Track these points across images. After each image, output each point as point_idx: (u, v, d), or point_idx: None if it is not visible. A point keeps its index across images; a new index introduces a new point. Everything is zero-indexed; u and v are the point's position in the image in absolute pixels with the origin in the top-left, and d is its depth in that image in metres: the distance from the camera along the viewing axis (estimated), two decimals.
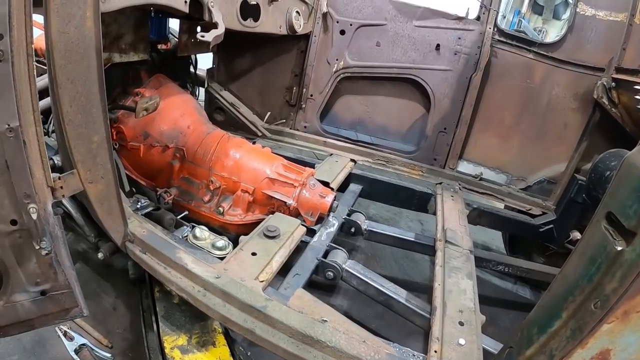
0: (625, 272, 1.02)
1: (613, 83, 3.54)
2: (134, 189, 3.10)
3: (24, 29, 1.52)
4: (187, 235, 2.61)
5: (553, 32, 12.24)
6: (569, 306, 1.19)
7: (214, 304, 2.11)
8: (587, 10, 3.76)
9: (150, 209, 2.86)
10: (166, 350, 2.29)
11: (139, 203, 2.85)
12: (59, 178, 1.89)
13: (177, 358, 2.25)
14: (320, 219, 3.11)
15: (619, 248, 1.05)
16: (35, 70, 1.62)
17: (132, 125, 3.14)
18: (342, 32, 4.33)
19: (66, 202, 2.53)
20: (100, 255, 2.60)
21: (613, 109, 3.57)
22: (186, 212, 3.09)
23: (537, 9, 14.02)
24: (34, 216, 1.70)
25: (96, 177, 2.07)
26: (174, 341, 2.33)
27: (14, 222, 1.71)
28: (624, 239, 1.06)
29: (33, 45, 1.58)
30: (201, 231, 2.61)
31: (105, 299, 3.06)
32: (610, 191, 1.14)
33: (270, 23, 3.63)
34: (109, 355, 2.60)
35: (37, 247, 1.78)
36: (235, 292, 2.09)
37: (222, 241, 2.55)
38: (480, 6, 4.06)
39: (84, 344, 2.61)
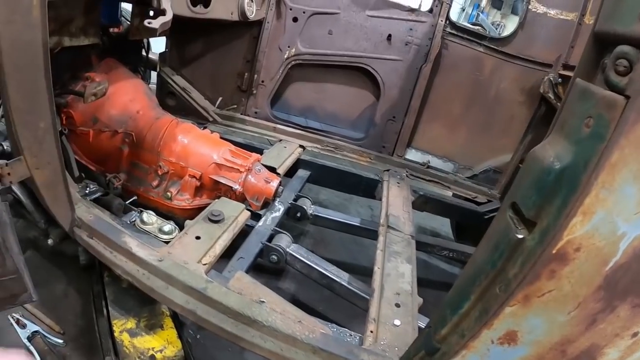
0: (525, 259, 1.10)
1: (559, 79, 3.69)
2: (83, 174, 3.06)
3: None
4: (134, 220, 2.64)
5: (511, 26, 12.44)
6: (477, 289, 1.27)
7: (157, 287, 2.17)
8: (539, 8, 3.91)
9: (98, 194, 2.86)
10: (115, 334, 2.33)
11: (88, 188, 2.85)
12: (6, 165, 1.89)
13: (126, 341, 2.30)
14: (267, 204, 3.18)
15: (520, 236, 1.13)
16: None
17: (81, 110, 3.12)
18: (295, 20, 4.38)
19: (16, 189, 2.52)
20: (50, 241, 2.61)
21: (558, 103, 3.71)
22: (135, 197, 3.10)
23: (496, 3, 14.31)
24: None
25: (43, 163, 2.08)
26: (122, 325, 2.38)
27: None
28: (525, 227, 1.13)
29: None
30: (149, 216, 2.65)
31: (56, 286, 3.04)
32: (515, 182, 1.23)
33: (221, 9, 3.63)
34: (61, 341, 2.61)
35: None
36: (177, 275, 2.15)
37: (168, 226, 2.60)
38: None
39: (36, 331, 2.61)
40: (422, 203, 4.01)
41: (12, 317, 2.67)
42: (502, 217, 1.22)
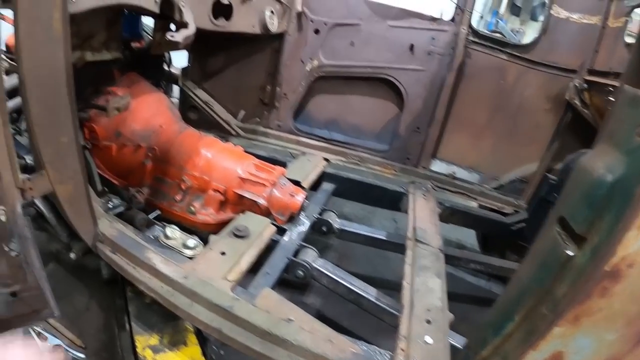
0: (576, 277, 1.04)
1: (585, 85, 3.61)
2: (106, 189, 3.06)
3: None
4: (158, 235, 2.61)
5: (530, 33, 12.39)
6: (521, 309, 1.21)
7: (182, 304, 2.13)
8: (562, 13, 3.83)
9: (122, 208, 2.86)
10: (138, 350, 2.30)
11: (111, 203, 2.84)
12: (28, 179, 1.87)
13: (149, 358, 2.26)
14: (292, 218, 3.12)
15: (570, 253, 1.06)
16: (3, 72, 1.61)
17: (104, 124, 3.12)
18: (317, 32, 4.35)
19: (38, 202, 2.52)
20: (72, 255, 2.59)
21: (585, 109, 3.63)
22: (158, 212, 3.09)
23: (514, 10, 14.20)
24: (2, 218, 1.70)
25: (65, 178, 2.07)
26: (146, 341, 2.35)
27: None
28: (575, 244, 1.07)
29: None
30: (172, 231, 2.61)
31: (78, 300, 3.03)
32: (563, 195, 1.16)
33: (243, 22, 3.63)
34: (82, 355, 2.58)
35: (6, 249, 1.77)
36: (202, 292, 2.11)
37: (192, 240, 2.56)
38: (455, 7, 4.10)
39: (57, 345, 2.59)
40: (448, 215, 3.93)
41: (34, 330, 2.65)
42: (549, 233, 1.15)
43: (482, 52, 4.10)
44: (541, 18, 4.01)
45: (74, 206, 2.21)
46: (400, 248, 3.15)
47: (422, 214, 3.46)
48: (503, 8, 14.68)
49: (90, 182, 2.78)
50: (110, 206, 2.82)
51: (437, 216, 3.51)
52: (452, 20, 4.14)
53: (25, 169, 2.33)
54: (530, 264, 1.22)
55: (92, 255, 2.59)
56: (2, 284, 1.87)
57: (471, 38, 4.08)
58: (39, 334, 2.59)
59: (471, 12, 4.07)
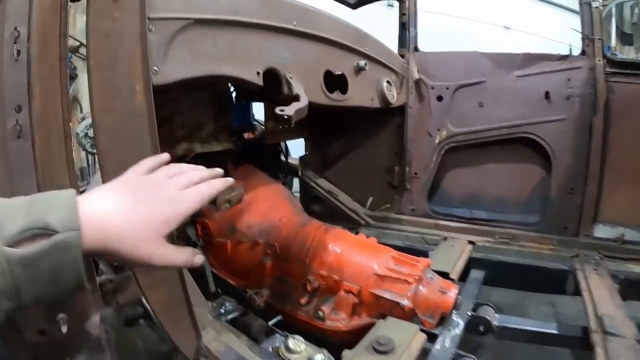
0: None
1: None
2: (219, 290, 2.82)
3: (55, 103, 1.36)
4: (279, 347, 2.18)
5: None
6: None
7: None
8: None
9: (236, 314, 2.55)
10: None
11: (223, 307, 2.55)
12: (111, 281, 1.60)
13: None
14: (443, 319, 2.55)
15: None
16: (73, 153, 1.43)
17: (217, 219, 2.95)
18: (440, 98, 4.00)
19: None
20: None
21: None
22: (280, 317, 2.71)
23: (626, 39, 13.30)
24: (64, 329, 1.44)
25: (158, 281, 1.77)
26: None
27: (42, 332, 1.46)
28: None
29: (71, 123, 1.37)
30: (295, 342, 2.17)
31: None
32: None
33: (360, 95, 3.33)
34: None
35: None
36: None
37: (320, 355, 2.11)
38: (583, 38, 3.60)
39: None
40: (625, 289, 3.13)
41: None
42: None
43: (626, 82, 3.48)
44: None
45: (169, 315, 1.88)
46: (579, 343, 2.52)
47: (600, 294, 2.75)
48: (613, 41, 13.74)
49: (203, 283, 2.61)
50: (222, 311, 2.53)
51: (618, 296, 2.79)
52: (583, 53, 3.62)
53: (117, 268, 2.11)
54: None
55: None
56: None
57: (609, 69, 3.51)
58: None
59: (602, 40, 3.55)
